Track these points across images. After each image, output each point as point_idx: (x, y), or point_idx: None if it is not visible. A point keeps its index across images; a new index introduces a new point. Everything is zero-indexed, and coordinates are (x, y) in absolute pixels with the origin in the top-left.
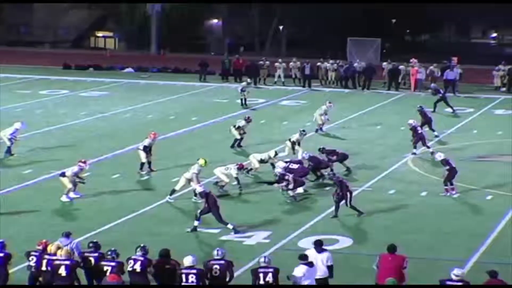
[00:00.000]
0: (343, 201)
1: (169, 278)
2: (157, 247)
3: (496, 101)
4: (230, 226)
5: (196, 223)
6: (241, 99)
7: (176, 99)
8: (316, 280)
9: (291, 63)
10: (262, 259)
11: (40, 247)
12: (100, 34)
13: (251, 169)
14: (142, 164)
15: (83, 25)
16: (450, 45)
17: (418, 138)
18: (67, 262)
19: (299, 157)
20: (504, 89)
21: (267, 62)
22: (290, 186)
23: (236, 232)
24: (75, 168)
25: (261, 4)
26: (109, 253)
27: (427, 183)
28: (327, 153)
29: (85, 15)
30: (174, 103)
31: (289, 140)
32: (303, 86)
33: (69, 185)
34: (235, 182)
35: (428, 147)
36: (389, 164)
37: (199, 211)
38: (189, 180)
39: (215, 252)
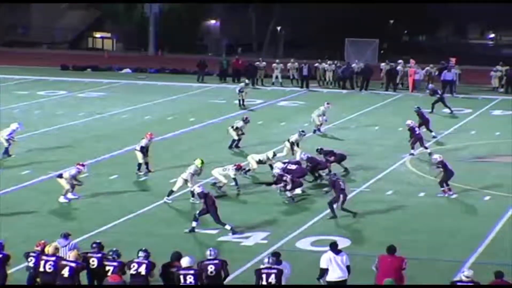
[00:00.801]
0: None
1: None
2: (155, 248)
3: (494, 102)
4: (228, 227)
5: (194, 224)
6: (239, 100)
7: (174, 100)
8: (337, 282)
9: (289, 64)
10: (266, 260)
11: (39, 248)
12: (98, 35)
13: (249, 169)
14: (140, 164)
15: (81, 26)
16: (448, 46)
17: (416, 139)
18: (73, 264)
19: (297, 158)
20: (502, 90)
21: (264, 63)
22: (288, 187)
23: (234, 233)
24: (73, 171)
25: (258, 5)
26: (110, 253)
27: (425, 184)
28: (325, 153)
29: (82, 16)
30: (172, 104)
31: (288, 140)
32: (301, 87)
33: (67, 186)
34: (233, 183)
35: (426, 148)
36: (387, 165)
37: (197, 212)
38: (186, 181)
39: (208, 253)
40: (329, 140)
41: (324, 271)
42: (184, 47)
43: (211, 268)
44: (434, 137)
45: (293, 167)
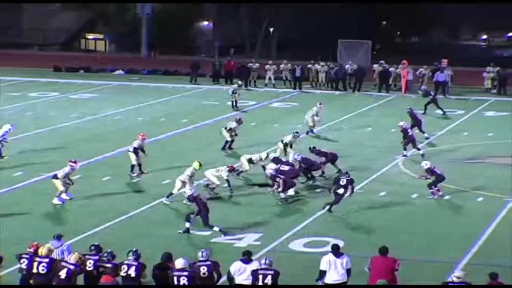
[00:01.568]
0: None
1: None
2: (149, 249)
3: (487, 103)
4: (216, 229)
5: (187, 224)
6: (232, 101)
7: (166, 101)
8: (336, 285)
9: (281, 65)
10: (263, 261)
11: (31, 250)
12: (90, 36)
13: (241, 171)
14: (133, 166)
15: (73, 27)
16: (440, 47)
17: (409, 140)
18: (71, 267)
19: (290, 159)
20: (494, 91)
21: (257, 64)
22: (279, 189)
23: (226, 234)
24: (66, 169)
25: (251, 5)
26: (105, 254)
27: (418, 185)
28: (317, 153)
29: (75, 17)
30: (165, 105)
31: (282, 141)
32: (294, 88)
33: (61, 188)
34: (226, 184)
35: (419, 149)
36: (380, 166)
37: (193, 214)
38: (184, 183)
39: (199, 254)
40: (322, 141)
41: (323, 273)
42: (176, 49)
43: (203, 270)
44: (426, 138)
45: (286, 168)
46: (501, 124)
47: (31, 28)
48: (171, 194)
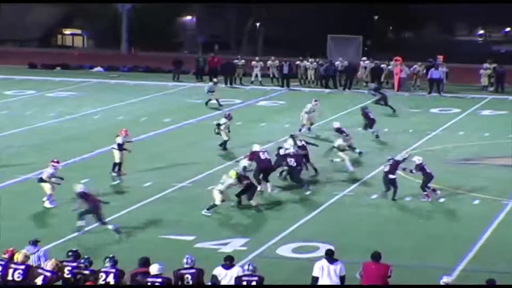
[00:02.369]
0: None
1: None
2: (128, 255)
3: (483, 102)
4: (110, 227)
5: (81, 222)
6: (209, 100)
7: (148, 100)
8: None
9: (269, 62)
10: (246, 266)
11: (7, 256)
12: (67, 31)
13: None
14: (115, 164)
15: (50, 23)
16: (435, 43)
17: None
18: (48, 274)
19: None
20: (491, 88)
21: (242, 61)
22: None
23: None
24: (50, 170)
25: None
26: (82, 261)
27: (411, 187)
28: (298, 145)
29: (51, 12)
30: (146, 104)
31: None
32: (282, 86)
33: (49, 191)
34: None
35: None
36: (372, 167)
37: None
38: (222, 192)
39: (184, 260)
40: (312, 141)
41: (316, 280)
42: (158, 45)
43: (187, 278)
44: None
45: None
46: (498, 124)
47: (6, 23)
48: (214, 205)
